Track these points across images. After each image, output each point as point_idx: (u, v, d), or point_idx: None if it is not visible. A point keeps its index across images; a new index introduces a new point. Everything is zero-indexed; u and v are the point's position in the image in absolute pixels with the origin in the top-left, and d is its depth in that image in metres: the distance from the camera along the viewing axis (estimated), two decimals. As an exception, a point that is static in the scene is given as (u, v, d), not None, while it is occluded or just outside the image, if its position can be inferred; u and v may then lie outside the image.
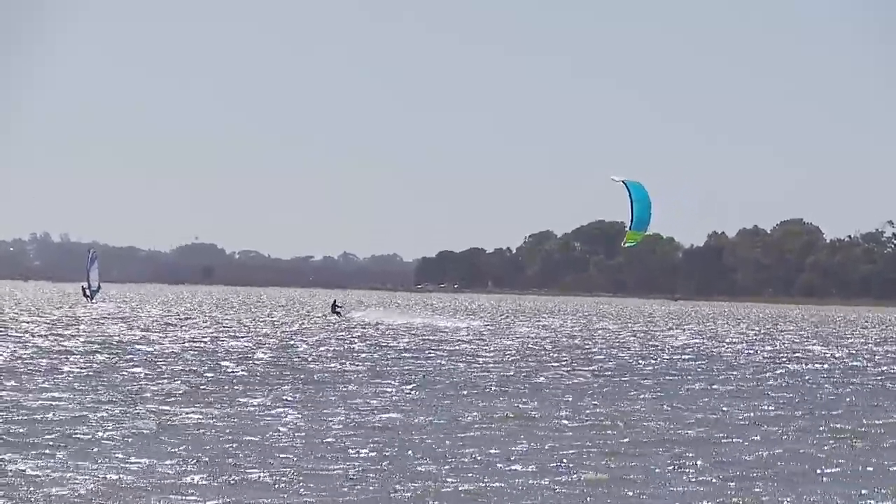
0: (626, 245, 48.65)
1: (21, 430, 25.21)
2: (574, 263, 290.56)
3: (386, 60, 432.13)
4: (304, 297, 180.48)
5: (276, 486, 20.35)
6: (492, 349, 56.34)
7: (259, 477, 20.98)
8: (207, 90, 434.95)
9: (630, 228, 46.98)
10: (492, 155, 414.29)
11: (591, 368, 46.19)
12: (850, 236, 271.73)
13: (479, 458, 23.46)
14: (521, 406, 32.16)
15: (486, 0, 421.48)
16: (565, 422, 28.91)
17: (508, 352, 55.06)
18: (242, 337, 61.76)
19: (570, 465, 22.78)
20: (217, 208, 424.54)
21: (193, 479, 20.55)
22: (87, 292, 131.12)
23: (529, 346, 60.88)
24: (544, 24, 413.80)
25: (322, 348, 53.83)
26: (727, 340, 73.56)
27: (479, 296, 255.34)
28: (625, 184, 46.57)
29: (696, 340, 72.18)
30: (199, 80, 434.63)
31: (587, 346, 61.84)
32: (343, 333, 67.82)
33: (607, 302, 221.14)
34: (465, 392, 35.57)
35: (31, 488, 19.48)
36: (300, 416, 28.97)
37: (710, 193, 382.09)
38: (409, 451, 23.90)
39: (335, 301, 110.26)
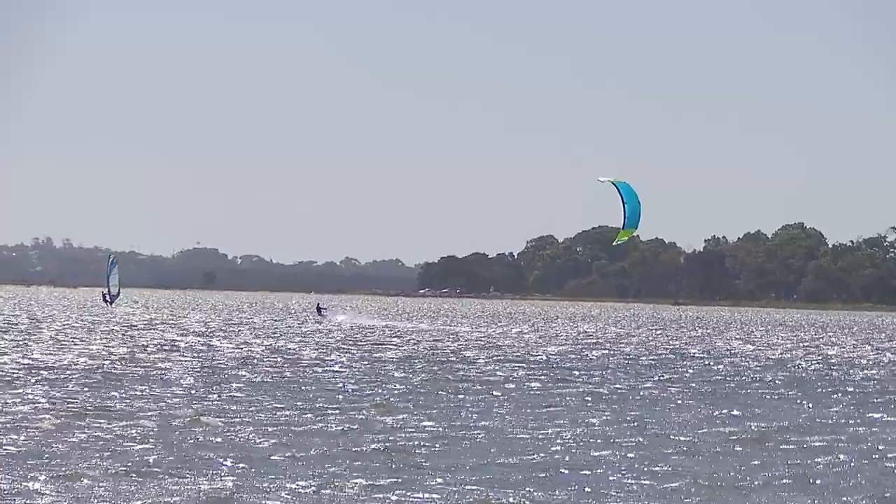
0: (618, 243, 50.68)
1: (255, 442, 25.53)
2: (576, 268, 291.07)
3: (390, 69, 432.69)
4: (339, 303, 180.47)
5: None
6: (649, 363, 55.59)
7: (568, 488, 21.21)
8: (211, 98, 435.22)
9: (623, 227, 48.46)
10: (494, 161, 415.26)
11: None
12: (852, 241, 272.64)
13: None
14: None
15: (491, 4, 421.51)
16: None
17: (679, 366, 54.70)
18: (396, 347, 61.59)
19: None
20: (219, 214, 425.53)
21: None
22: (108, 297, 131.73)
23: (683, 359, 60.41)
24: (549, 30, 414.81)
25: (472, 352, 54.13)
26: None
27: (484, 301, 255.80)
28: (613, 184, 48.01)
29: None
30: (203, 89, 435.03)
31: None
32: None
33: (616, 307, 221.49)
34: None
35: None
36: (565, 424, 29.23)
37: (714, 197, 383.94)
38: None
39: (319, 304, 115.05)
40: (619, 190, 47.74)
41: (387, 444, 25.30)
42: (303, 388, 37.27)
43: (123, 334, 67.02)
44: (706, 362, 56.36)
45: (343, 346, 60.33)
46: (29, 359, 46.05)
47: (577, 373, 46.70)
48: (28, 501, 18.94)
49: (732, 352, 66.65)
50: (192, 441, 25.27)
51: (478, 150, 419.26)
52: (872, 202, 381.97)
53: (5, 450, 23.40)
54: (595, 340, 75.96)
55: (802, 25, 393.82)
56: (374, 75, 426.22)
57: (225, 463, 22.68)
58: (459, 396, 35.86)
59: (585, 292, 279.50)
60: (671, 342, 76.39)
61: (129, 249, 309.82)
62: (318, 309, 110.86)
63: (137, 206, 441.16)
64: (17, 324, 76.90)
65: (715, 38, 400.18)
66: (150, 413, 29.59)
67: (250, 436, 26.18)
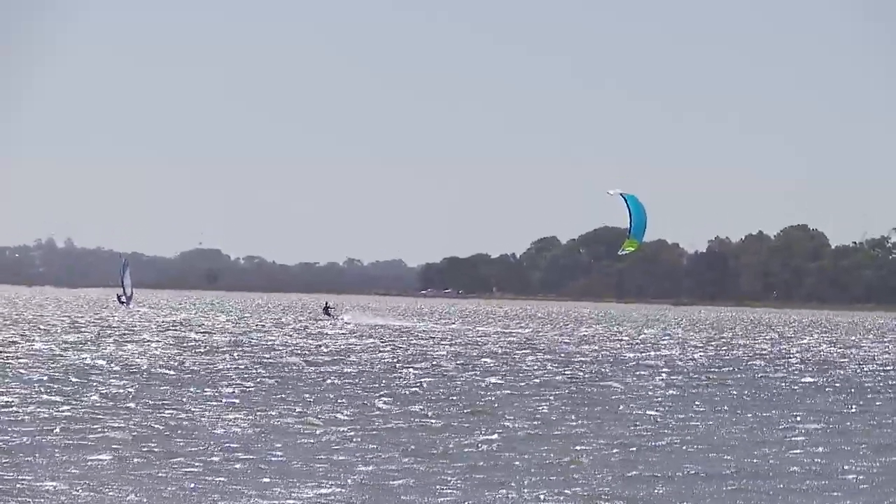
0: (624, 252, 52.02)
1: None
2: (579, 269, 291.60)
3: (390, 69, 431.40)
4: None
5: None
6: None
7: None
8: (211, 98, 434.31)
9: (629, 237, 50.09)
10: (494, 161, 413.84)
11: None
12: (855, 243, 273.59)
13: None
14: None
15: (491, 4, 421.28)
16: None
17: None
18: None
19: None
20: (221, 214, 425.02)
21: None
22: (123, 299, 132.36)
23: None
24: (549, 30, 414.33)
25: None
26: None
27: (490, 301, 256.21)
28: (622, 196, 49.29)
29: None
30: (203, 89, 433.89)
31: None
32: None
33: (618, 308, 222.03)
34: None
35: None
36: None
37: (714, 197, 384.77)
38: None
39: (327, 303, 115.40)
40: (626, 202, 48.69)
41: (587, 452, 25.88)
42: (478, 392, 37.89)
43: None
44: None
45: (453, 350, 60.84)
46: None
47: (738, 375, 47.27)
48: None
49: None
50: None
51: (478, 150, 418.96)
52: (874, 204, 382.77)
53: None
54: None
55: (802, 25, 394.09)
56: (374, 75, 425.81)
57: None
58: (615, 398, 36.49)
59: (588, 293, 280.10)
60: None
61: (132, 250, 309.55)
62: (326, 309, 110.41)
63: (139, 207, 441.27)
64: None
65: (715, 38, 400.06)
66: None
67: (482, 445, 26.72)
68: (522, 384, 41.74)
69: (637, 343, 74.88)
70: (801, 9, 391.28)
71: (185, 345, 59.41)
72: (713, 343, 78.03)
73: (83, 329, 74.31)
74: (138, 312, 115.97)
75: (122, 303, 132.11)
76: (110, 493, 20.40)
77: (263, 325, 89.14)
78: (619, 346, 71.09)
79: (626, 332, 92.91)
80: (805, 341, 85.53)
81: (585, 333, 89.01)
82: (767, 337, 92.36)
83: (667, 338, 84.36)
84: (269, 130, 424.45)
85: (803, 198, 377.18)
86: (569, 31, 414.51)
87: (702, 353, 64.82)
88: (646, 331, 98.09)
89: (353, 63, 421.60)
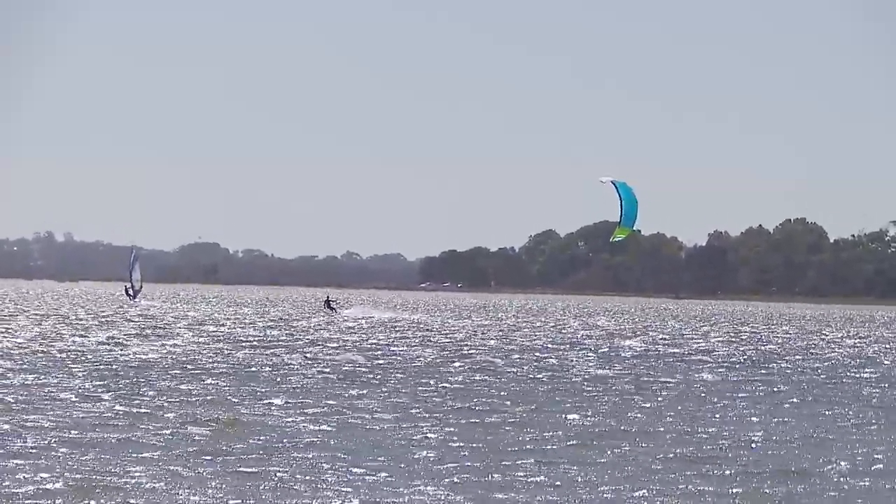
0: (615, 240, 52.60)
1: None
2: (577, 263, 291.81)
3: (390, 69, 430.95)
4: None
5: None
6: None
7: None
8: (211, 98, 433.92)
9: (620, 224, 50.56)
10: (494, 160, 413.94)
11: None
12: (853, 236, 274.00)
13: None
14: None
15: (491, 4, 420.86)
16: None
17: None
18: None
19: None
20: (220, 207, 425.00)
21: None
22: (130, 292, 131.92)
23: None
24: (549, 30, 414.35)
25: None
26: None
27: (489, 295, 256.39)
28: (613, 184, 49.98)
29: None
30: (205, 81, 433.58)
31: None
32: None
33: (619, 301, 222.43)
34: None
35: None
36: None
37: (714, 197, 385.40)
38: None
39: (328, 297, 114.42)
40: (617, 189, 49.16)
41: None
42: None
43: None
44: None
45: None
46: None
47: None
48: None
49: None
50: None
51: (478, 150, 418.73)
52: (872, 198, 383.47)
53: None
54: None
55: (802, 25, 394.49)
56: (374, 75, 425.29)
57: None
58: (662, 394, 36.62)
59: (586, 286, 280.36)
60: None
61: (131, 244, 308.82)
62: (328, 303, 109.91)
63: (138, 202, 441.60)
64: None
65: (715, 38, 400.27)
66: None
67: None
68: (575, 379, 41.87)
69: (666, 337, 74.89)
70: (801, 9, 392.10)
71: (230, 340, 59.47)
72: (741, 337, 78.11)
73: (114, 324, 74.24)
74: (152, 306, 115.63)
75: (130, 296, 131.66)
76: (190, 490, 20.46)
77: (291, 320, 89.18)
78: (650, 340, 71.14)
79: (651, 327, 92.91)
80: (830, 335, 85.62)
81: (607, 328, 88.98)
82: (791, 331, 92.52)
83: (690, 331, 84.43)
84: (269, 130, 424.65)
85: (803, 197, 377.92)
86: (569, 31, 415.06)
87: (735, 348, 64.91)
88: (667, 325, 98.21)
89: (353, 63, 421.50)
